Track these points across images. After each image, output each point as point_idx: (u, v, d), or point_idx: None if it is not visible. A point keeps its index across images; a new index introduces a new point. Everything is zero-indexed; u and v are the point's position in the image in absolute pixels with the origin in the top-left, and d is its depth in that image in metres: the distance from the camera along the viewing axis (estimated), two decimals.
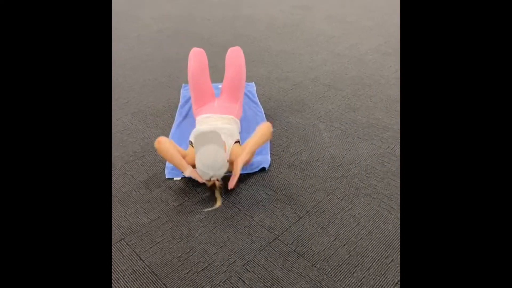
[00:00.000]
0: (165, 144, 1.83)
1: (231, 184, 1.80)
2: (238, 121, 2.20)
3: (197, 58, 2.27)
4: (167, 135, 2.31)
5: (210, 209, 1.75)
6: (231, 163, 1.83)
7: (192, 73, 2.24)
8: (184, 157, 1.86)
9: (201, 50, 2.32)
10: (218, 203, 1.76)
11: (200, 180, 1.80)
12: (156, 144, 1.85)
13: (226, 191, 1.86)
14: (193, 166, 1.85)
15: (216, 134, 1.76)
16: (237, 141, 1.99)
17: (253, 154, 1.88)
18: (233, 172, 1.82)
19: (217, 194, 1.78)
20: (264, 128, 1.91)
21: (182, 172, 1.83)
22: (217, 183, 1.77)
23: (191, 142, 1.99)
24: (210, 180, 1.75)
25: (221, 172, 1.74)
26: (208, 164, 1.70)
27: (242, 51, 2.35)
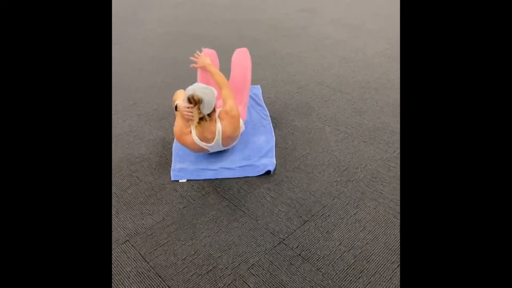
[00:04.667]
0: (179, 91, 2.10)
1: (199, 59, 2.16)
2: (242, 122, 2.20)
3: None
4: (172, 137, 2.31)
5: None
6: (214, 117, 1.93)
7: (201, 74, 2.29)
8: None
9: (213, 51, 2.35)
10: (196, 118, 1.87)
11: (185, 106, 1.85)
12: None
13: (228, 195, 1.85)
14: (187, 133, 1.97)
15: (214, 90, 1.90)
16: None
17: (217, 74, 2.12)
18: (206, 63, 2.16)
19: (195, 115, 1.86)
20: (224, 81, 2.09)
21: (174, 105, 1.96)
22: (195, 112, 1.84)
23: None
24: (192, 100, 1.81)
25: (204, 96, 1.80)
26: (196, 84, 1.87)
27: (248, 53, 2.35)
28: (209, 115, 1.88)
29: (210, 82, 2.30)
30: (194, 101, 1.81)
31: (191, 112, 1.84)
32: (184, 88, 1.94)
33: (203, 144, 1.95)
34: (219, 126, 1.93)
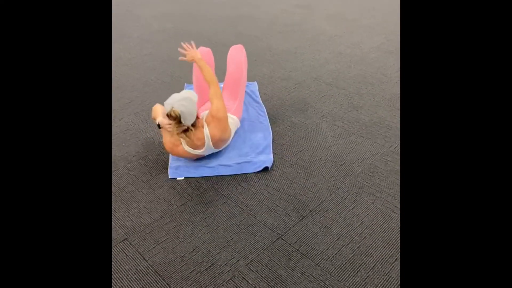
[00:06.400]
0: (156, 107, 2.01)
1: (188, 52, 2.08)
2: (236, 118, 2.19)
3: (203, 57, 2.27)
4: None
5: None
6: (199, 124, 1.90)
7: (196, 70, 2.27)
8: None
9: (208, 49, 2.33)
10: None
11: (166, 123, 1.83)
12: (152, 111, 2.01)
13: (226, 192, 1.85)
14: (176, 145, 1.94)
15: (192, 93, 1.86)
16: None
17: (204, 67, 2.06)
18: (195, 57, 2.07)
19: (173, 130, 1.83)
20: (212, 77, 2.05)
21: (155, 120, 1.95)
22: (173, 127, 1.81)
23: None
24: (170, 114, 1.77)
25: (183, 109, 1.76)
26: (173, 97, 1.80)
27: (244, 49, 2.34)
28: (193, 124, 1.84)
29: (206, 96, 2.25)
30: (173, 117, 1.77)
31: (175, 127, 1.80)
32: (178, 88, 1.92)
33: (195, 152, 1.94)
34: (206, 131, 1.91)
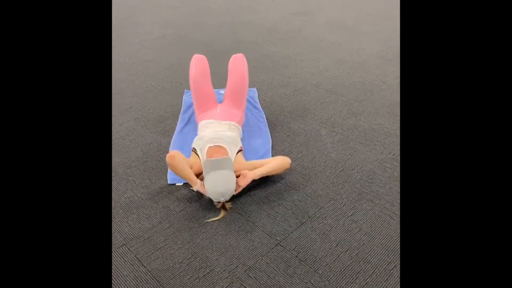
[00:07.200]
0: (178, 158, 1.78)
1: (234, 192, 1.80)
2: (240, 128, 2.21)
3: (199, 63, 2.28)
4: (169, 141, 2.31)
5: (213, 219, 1.74)
6: (236, 175, 1.83)
7: (194, 79, 2.25)
8: (191, 167, 1.86)
9: (203, 56, 2.33)
10: (222, 215, 1.76)
11: (208, 196, 1.78)
12: (168, 159, 1.78)
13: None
14: (198, 175, 1.86)
15: (229, 160, 1.78)
16: (240, 150, 1.99)
17: (259, 176, 1.87)
18: (239, 183, 1.82)
19: (223, 212, 1.77)
20: (283, 161, 1.91)
21: (191, 187, 1.83)
22: (227, 205, 1.78)
23: (194, 149, 1.99)
24: (219, 202, 1.76)
25: (229, 192, 1.74)
26: (220, 192, 1.71)
27: (245, 58, 2.35)
28: None
29: (208, 103, 2.24)
30: (222, 207, 1.76)
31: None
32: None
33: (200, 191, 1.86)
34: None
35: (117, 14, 4.96)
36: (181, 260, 1.55)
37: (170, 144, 2.28)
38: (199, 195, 1.87)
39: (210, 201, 1.83)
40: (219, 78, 3.08)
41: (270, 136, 2.31)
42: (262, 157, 2.10)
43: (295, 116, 2.55)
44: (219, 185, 1.71)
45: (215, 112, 2.20)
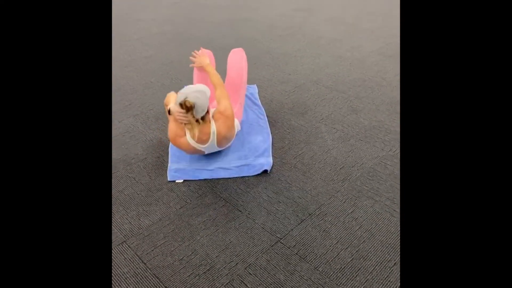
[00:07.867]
0: (170, 94, 2.02)
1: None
2: (237, 121, 2.20)
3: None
4: (168, 138, 2.31)
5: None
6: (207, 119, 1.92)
7: (197, 73, 2.30)
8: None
9: (209, 51, 2.36)
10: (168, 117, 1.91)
11: (177, 111, 1.84)
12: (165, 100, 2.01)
13: (225, 195, 1.85)
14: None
15: (206, 87, 1.90)
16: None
17: (214, 75, 2.11)
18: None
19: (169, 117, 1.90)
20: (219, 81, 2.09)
21: (166, 106, 1.96)
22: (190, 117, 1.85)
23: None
24: (184, 106, 1.80)
25: (197, 100, 1.80)
26: (188, 87, 1.85)
27: (244, 53, 2.35)
28: (202, 117, 1.87)
29: (207, 82, 2.30)
30: (186, 107, 1.80)
31: (185, 117, 1.84)
32: (178, 90, 1.94)
33: (198, 146, 1.94)
34: (213, 127, 1.92)
35: (117, 10, 4.94)
36: (181, 257, 1.55)
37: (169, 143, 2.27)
38: (199, 193, 1.87)
39: (210, 198, 1.82)
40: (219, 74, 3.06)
41: (270, 132, 2.30)
42: (262, 154, 2.10)
43: (295, 113, 2.54)
44: (189, 87, 1.86)
45: (212, 106, 2.21)
